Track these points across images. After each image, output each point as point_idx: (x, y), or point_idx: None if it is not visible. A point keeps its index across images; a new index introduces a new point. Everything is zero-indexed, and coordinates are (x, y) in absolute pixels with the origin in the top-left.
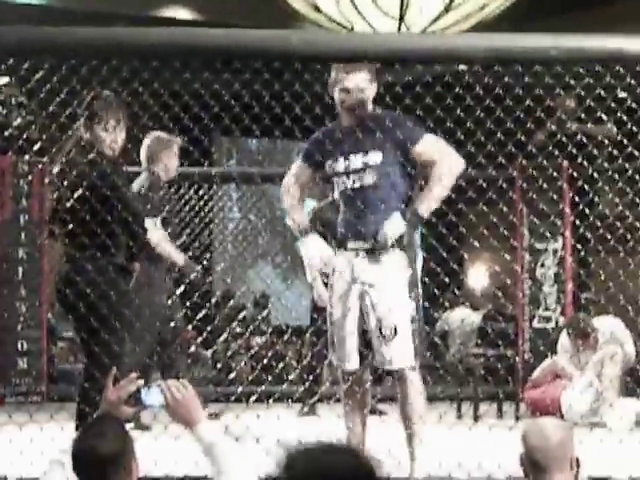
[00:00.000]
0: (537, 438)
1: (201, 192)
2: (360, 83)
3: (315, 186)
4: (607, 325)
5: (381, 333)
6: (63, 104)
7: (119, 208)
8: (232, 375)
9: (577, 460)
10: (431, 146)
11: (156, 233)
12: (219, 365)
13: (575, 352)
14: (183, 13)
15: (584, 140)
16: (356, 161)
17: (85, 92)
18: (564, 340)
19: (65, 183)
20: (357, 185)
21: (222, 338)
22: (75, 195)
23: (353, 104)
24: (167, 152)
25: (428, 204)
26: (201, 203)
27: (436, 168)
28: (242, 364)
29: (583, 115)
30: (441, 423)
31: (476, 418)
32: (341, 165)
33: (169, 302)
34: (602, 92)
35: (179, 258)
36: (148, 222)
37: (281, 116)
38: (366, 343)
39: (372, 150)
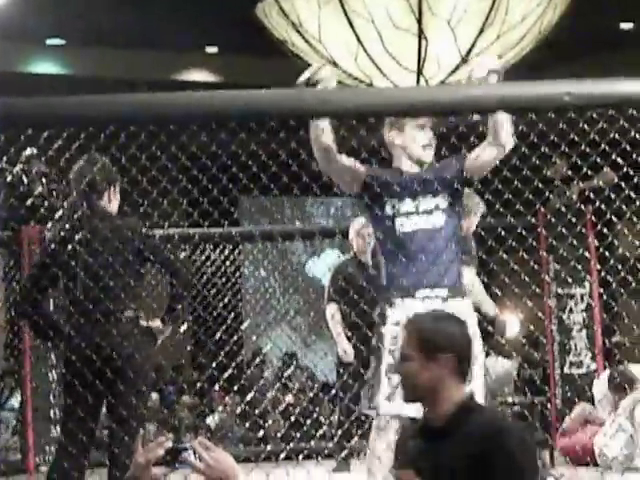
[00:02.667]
0: None
1: (225, 252)
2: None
3: None
4: None
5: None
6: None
7: (163, 268)
8: (261, 433)
9: None
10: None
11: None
12: (247, 424)
13: (614, 403)
14: (203, 76)
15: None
16: (427, 202)
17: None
18: (599, 391)
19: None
20: (429, 226)
21: (249, 397)
22: (110, 257)
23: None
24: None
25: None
26: (227, 263)
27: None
28: (271, 422)
29: (599, 159)
30: None
31: None
32: (409, 205)
33: None
34: (616, 135)
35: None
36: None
37: (298, 173)
38: None
39: (441, 192)
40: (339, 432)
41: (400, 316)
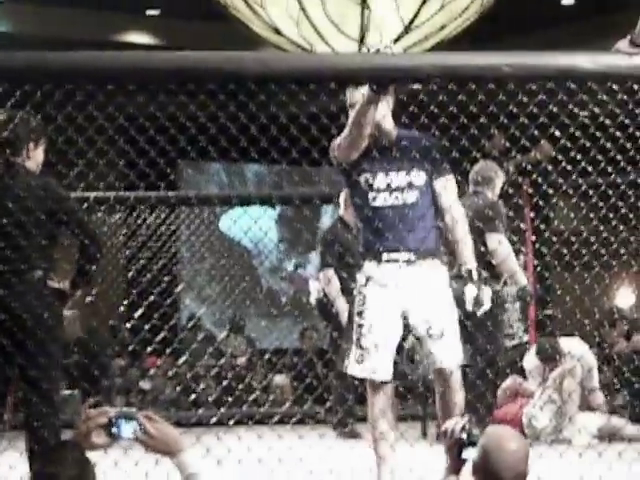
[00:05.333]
0: (495, 448)
1: (162, 216)
2: (379, 113)
3: None
4: (576, 350)
5: (429, 334)
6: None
7: (75, 230)
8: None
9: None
10: (447, 189)
11: (505, 248)
12: (179, 388)
13: (542, 375)
14: (142, 38)
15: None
16: (399, 179)
17: None
18: (530, 363)
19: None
20: (400, 202)
21: (182, 360)
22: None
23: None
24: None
25: (470, 258)
26: (163, 227)
27: (457, 227)
28: (208, 386)
29: (536, 132)
30: (405, 441)
31: (439, 436)
32: (381, 181)
33: None
34: (555, 109)
35: (523, 278)
36: (497, 237)
37: (238, 138)
38: (398, 355)
39: (415, 170)
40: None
41: (364, 278)
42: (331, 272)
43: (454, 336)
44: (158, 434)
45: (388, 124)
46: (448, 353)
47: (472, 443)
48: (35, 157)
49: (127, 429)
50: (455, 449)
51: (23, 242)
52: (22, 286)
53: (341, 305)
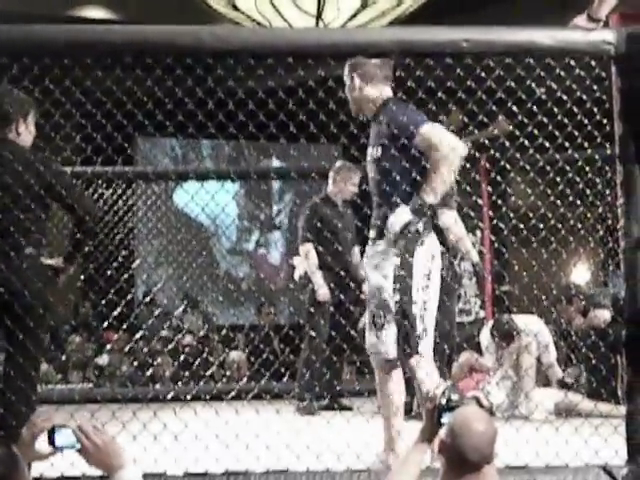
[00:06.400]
0: (462, 428)
1: (119, 191)
2: (349, 86)
3: None
4: (532, 326)
5: (373, 322)
6: None
7: (71, 205)
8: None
9: None
10: (432, 131)
11: (460, 225)
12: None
13: (498, 352)
14: (99, 13)
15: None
16: (369, 154)
17: None
18: (486, 339)
19: None
20: (370, 175)
21: (138, 336)
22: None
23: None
24: None
25: (433, 192)
26: (120, 202)
27: (434, 154)
28: (162, 362)
29: (494, 108)
30: (361, 415)
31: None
32: (365, 156)
33: None
34: (513, 84)
35: (475, 255)
36: (452, 214)
37: (195, 112)
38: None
39: (375, 145)
40: (307, 372)
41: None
42: (310, 247)
43: (389, 326)
44: (96, 449)
45: (364, 97)
46: (378, 343)
47: (451, 408)
48: (26, 131)
49: (67, 440)
50: (435, 413)
51: (16, 218)
52: (15, 263)
53: (318, 280)
